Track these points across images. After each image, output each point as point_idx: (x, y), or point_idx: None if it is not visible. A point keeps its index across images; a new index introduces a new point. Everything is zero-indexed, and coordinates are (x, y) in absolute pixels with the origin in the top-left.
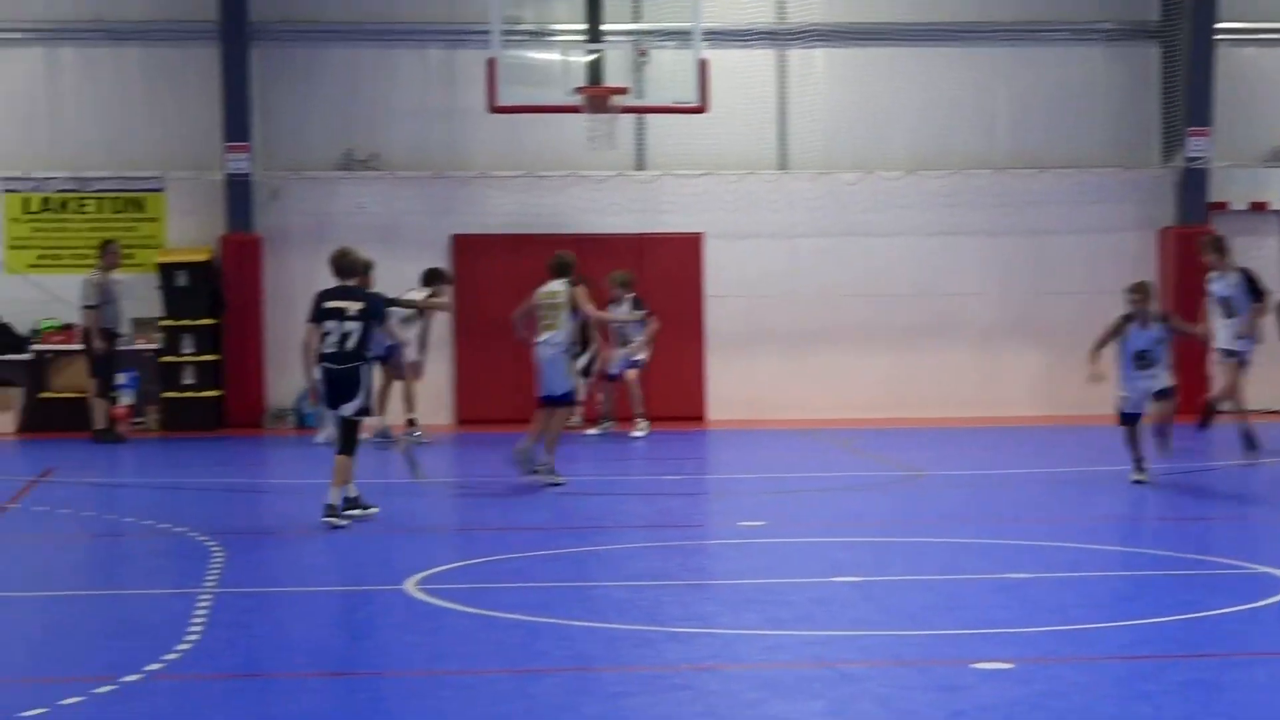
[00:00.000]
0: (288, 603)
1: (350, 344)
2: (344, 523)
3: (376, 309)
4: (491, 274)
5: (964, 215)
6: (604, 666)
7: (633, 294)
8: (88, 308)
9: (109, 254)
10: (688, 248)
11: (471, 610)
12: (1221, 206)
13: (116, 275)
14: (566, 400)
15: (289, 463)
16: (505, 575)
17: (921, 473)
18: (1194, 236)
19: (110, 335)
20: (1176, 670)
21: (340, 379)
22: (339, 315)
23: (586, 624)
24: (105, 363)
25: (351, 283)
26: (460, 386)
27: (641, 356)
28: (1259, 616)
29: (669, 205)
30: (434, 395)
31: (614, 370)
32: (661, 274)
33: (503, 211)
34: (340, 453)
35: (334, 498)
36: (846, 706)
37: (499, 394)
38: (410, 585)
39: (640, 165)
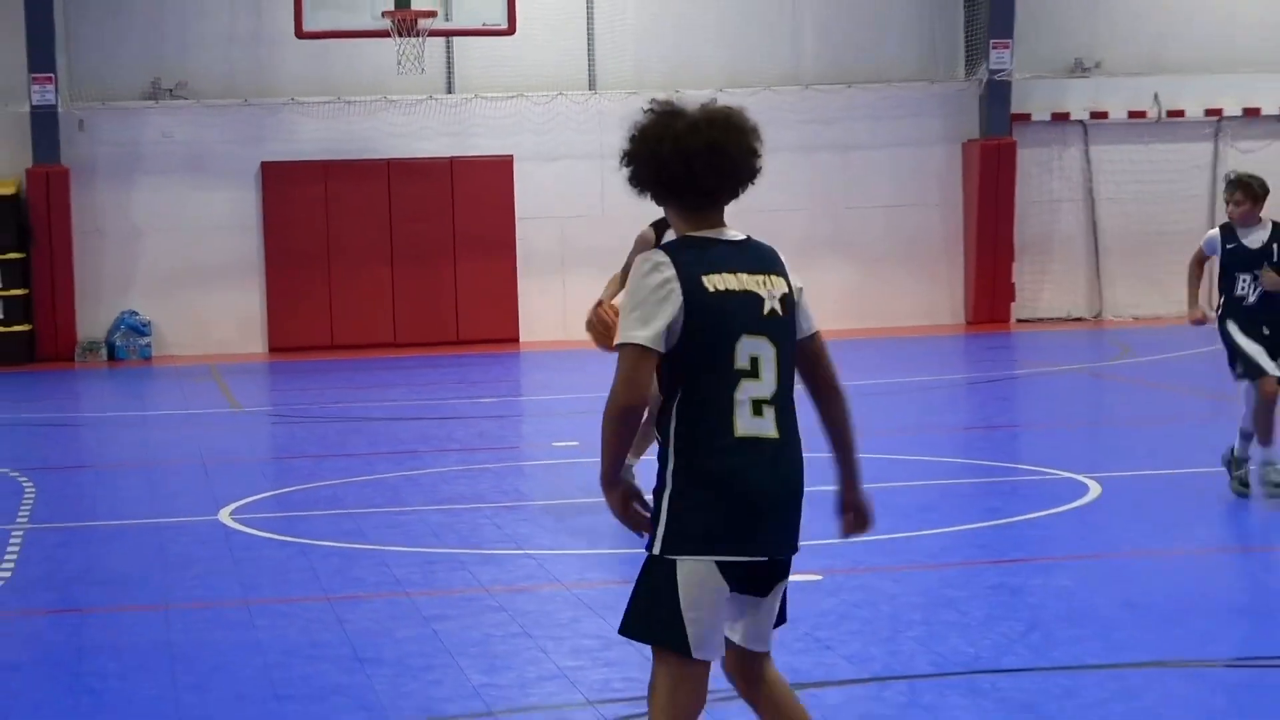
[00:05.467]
0: (101, 536)
1: None
2: None
3: None
4: (303, 201)
5: (775, 133)
6: (419, 591)
7: None
8: None
9: None
10: (498, 171)
11: (287, 539)
12: (1025, 118)
13: None
14: None
15: (101, 396)
16: (320, 503)
17: None
18: (998, 149)
19: None
20: (982, 576)
21: None
22: None
23: (401, 549)
24: None
25: None
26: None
27: None
28: (1059, 521)
29: (479, 128)
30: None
31: None
32: (472, 197)
33: (312, 138)
34: None
35: None
36: None
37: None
38: (225, 515)
39: (450, 88)
